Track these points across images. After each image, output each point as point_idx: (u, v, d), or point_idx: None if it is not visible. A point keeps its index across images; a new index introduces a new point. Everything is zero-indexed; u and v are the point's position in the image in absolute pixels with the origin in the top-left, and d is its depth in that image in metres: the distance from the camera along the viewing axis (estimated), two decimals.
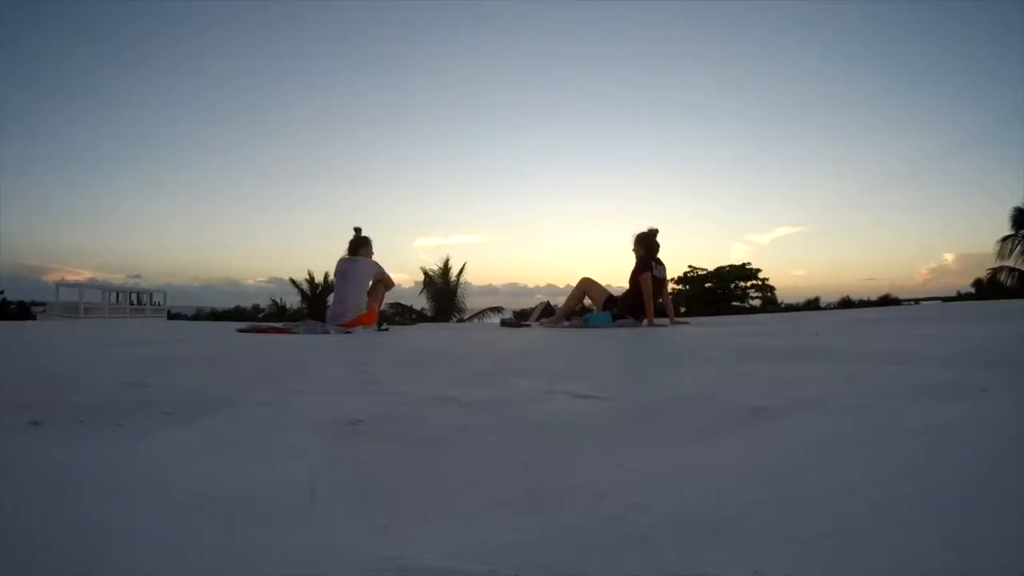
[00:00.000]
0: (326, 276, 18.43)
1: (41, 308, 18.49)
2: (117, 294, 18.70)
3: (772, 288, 25.15)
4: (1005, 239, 19.23)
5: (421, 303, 18.74)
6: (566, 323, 4.45)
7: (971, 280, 25.12)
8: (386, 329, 4.20)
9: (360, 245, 4.34)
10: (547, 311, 5.34)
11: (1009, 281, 19.23)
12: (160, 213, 44.44)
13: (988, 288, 20.47)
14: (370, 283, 4.22)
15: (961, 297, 24.93)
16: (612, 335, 3.26)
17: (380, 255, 4.40)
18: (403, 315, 16.99)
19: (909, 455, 0.71)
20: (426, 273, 18.81)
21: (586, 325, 4.26)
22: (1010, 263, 19.33)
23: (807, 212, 45.56)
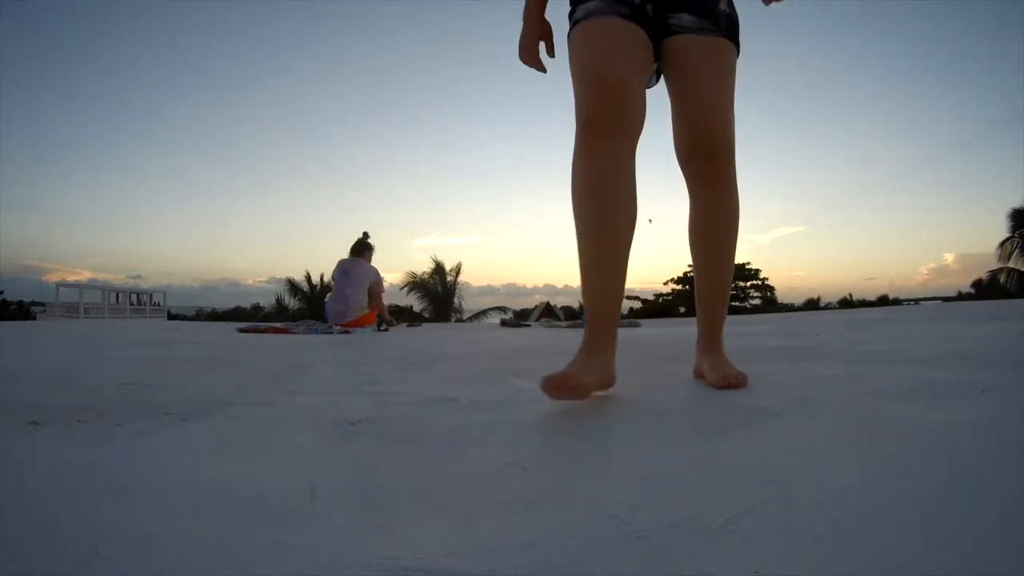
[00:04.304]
0: (322, 276, 18.47)
1: (41, 308, 18.44)
2: (117, 294, 18.64)
3: (772, 288, 25.14)
4: (1004, 242, 19.32)
5: (420, 304, 18.73)
6: (566, 323, 4.46)
7: (971, 280, 25.10)
8: (386, 329, 4.25)
9: (364, 249, 4.50)
10: (547, 311, 5.35)
11: (1009, 282, 19.26)
12: (160, 213, 44.52)
13: (988, 288, 20.47)
14: (369, 286, 4.32)
15: (961, 297, 24.91)
16: None
17: (379, 254, 4.62)
18: (402, 316, 17.01)
19: (909, 455, 0.71)
20: (423, 274, 18.78)
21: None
22: (1010, 264, 19.39)
23: (807, 212, 45.60)
